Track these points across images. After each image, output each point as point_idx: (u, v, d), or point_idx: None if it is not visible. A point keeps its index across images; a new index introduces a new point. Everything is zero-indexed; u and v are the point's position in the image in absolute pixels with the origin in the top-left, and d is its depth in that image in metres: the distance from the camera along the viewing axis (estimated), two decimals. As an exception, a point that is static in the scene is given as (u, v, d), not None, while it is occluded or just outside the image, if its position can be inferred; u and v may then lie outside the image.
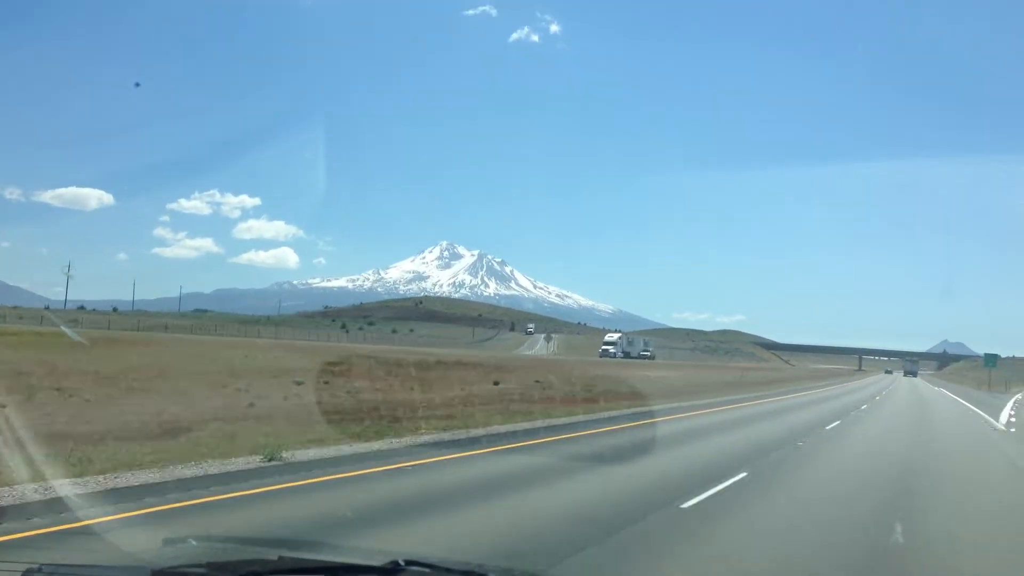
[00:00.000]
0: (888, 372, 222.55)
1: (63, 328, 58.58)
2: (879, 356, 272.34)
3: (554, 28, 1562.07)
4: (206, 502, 9.47)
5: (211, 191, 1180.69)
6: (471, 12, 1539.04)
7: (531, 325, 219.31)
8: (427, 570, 2.51)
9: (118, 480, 10.01)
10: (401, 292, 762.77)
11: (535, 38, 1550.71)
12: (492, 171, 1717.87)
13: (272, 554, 2.75)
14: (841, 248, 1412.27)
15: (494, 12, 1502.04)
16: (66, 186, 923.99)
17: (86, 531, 7.53)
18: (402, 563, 2.51)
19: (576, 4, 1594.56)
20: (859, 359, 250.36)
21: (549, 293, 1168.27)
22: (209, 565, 2.55)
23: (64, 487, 9.09)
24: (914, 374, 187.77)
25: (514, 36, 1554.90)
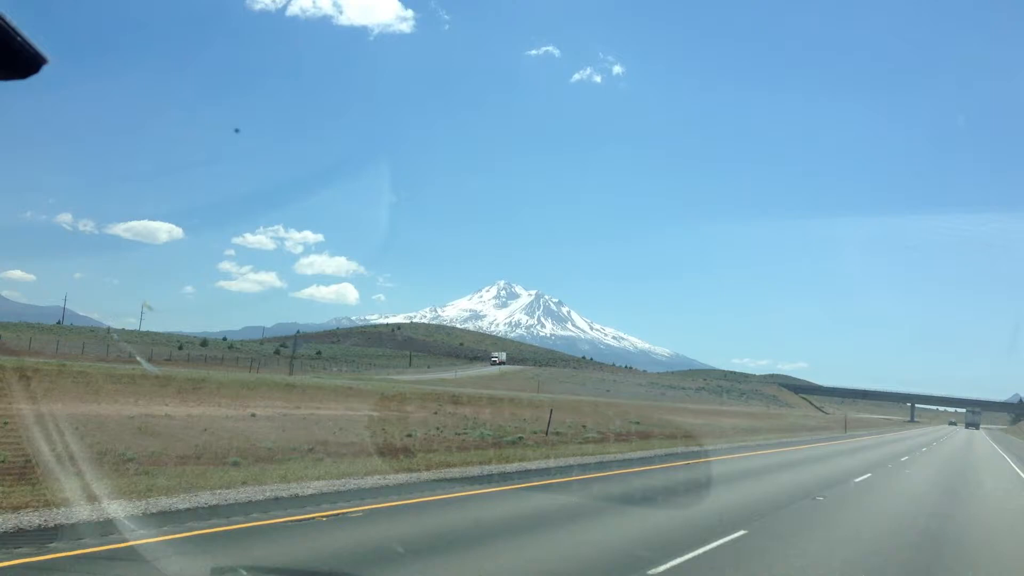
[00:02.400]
0: (953, 424, 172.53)
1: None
2: (937, 406, 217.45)
3: (617, 69, 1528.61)
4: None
5: (275, 226, 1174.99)
6: (534, 52, 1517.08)
7: (496, 355, 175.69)
8: None
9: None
10: (458, 330, 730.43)
11: (597, 79, 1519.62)
12: (551, 211, 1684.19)
13: None
14: (908, 297, 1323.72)
15: (557, 52, 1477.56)
16: (138, 219, 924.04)
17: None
18: None
19: (639, 46, 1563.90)
20: (911, 407, 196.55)
21: (606, 335, 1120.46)
22: None
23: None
24: (976, 426, 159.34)
25: (576, 76, 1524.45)
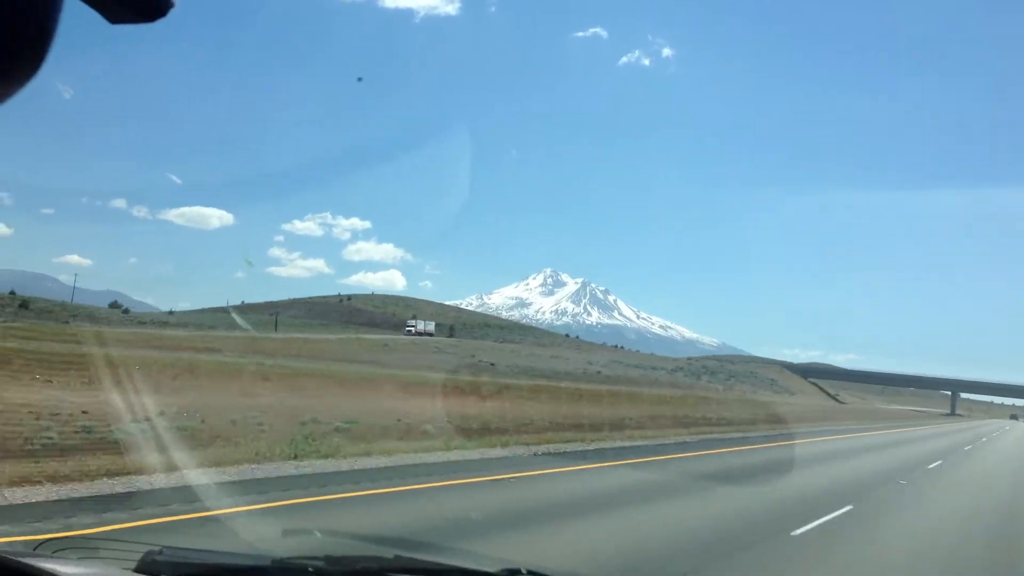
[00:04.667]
0: (1015, 419, 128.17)
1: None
2: (988, 395, 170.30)
3: (666, 52, 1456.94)
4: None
5: (324, 213, 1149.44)
6: (581, 34, 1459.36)
7: (414, 323, 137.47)
8: None
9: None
10: (504, 318, 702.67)
11: (646, 62, 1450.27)
12: (598, 198, 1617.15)
13: (389, 552, 2.65)
14: (970, 279, 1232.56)
15: (605, 34, 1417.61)
16: (190, 205, 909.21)
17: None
18: (524, 572, 2.33)
19: (689, 28, 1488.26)
20: (952, 397, 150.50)
21: (652, 324, 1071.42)
22: (327, 558, 2.50)
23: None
24: None
25: (624, 59, 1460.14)
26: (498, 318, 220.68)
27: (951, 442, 44.77)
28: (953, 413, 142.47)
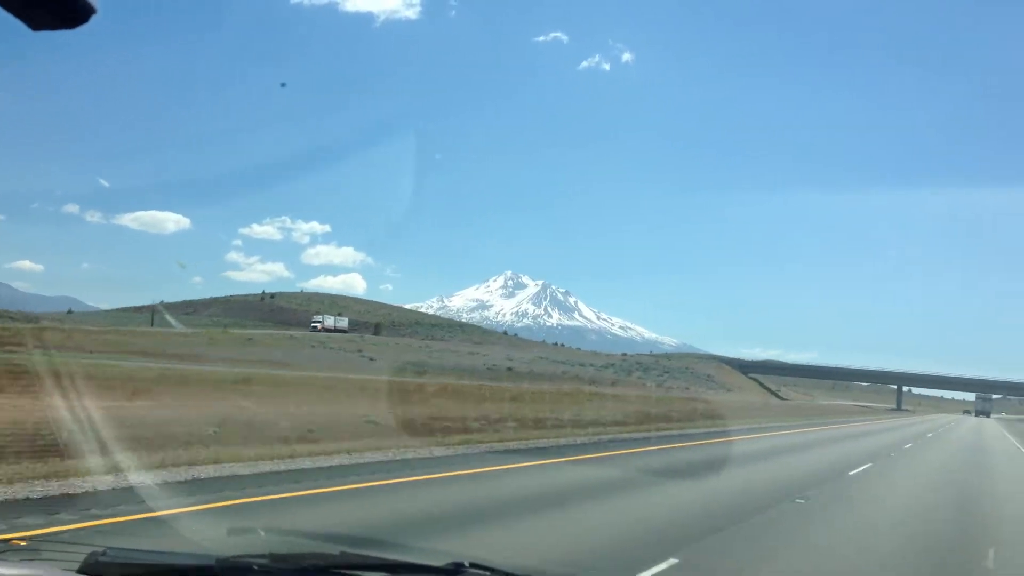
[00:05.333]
0: (970, 414, 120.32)
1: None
2: (939, 389, 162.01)
3: (626, 56, 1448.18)
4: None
5: (282, 217, 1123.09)
6: (542, 39, 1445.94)
7: (321, 318, 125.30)
8: (488, 573, 2.39)
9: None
10: (464, 320, 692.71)
11: (606, 66, 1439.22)
12: (559, 201, 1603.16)
13: (335, 549, 2.67)
14: (933, 276, 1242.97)
15: (565, 39, 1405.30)
16: (145, 209, 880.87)
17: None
18: (466, 564, 2.35)
19: (648, 33, 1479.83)
20: (898, 391, 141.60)
21: (612, 325, 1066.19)
22: (272, 556, 2.47)
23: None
24: (987, 414, 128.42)
25: (584, 64, 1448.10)
26: (432, 316, 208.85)
27: (882, 442, 35.42)
28: (899, 408, 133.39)
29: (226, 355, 63.69)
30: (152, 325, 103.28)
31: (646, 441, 24.68)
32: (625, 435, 26.89)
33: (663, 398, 67.37)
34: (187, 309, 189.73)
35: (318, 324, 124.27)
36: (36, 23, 1.32)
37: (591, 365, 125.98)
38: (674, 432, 30.59)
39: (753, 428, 39.59)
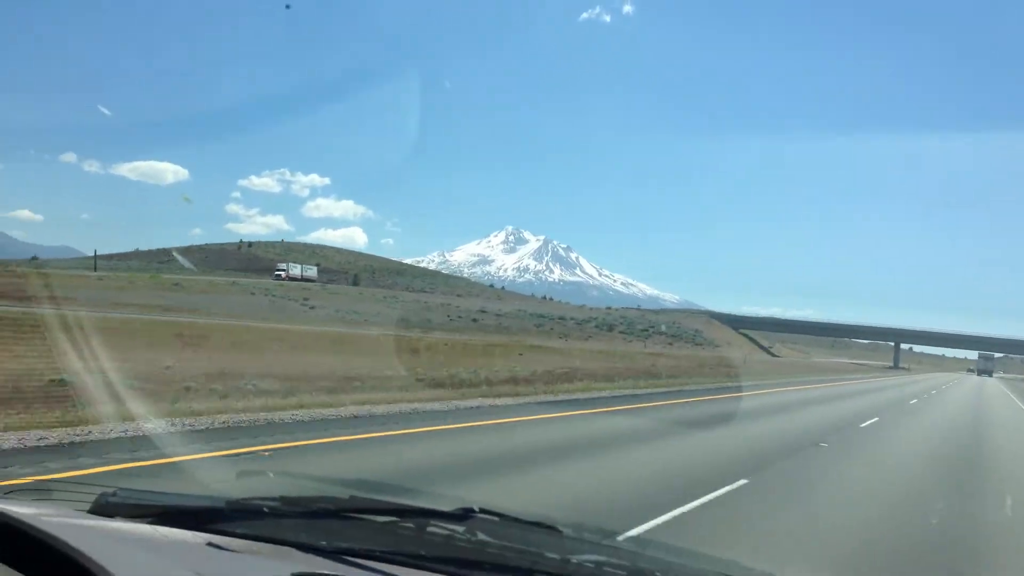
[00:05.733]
0: (974, 372, 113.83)
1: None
2: (940, 347, 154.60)
3: (627, 9, 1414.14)
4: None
5: (282, 169, 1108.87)
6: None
7: (286, 266, 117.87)
8: (496, 518, 2.34)
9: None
10: (465, 275, 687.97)
11: (607, 18, 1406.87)
12: (560, 156, 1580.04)
13: (345, 493, 2.61)
14: (944, 227, 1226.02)
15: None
16: (143, 159, 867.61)
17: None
18: (476, 509, 2.35)
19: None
20: (895, 348, 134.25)
21: (614, 281, 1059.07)
22: (282, 499, 2.45)
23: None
24: (989, 374, 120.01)
25: (584, 15, 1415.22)
26: (420, 268, 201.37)
27: (865, 405, 29.56)
28: (896, 366, 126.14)
29: (136, 300, 56.37)
30: (95, 269, 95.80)
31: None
32: (527, 399, 19.94)
33: (626, 353, 60.20)
34: (163, 257, 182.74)
35: (282, 273, 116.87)
36: None
37: (572, 319, 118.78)
38: (604, 394, 23.46)
39: (711, 388, 32.42)
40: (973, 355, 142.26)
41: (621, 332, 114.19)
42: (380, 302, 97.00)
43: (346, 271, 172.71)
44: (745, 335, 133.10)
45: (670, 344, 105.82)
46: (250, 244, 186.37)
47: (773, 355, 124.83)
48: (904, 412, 28.04)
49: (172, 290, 70.02)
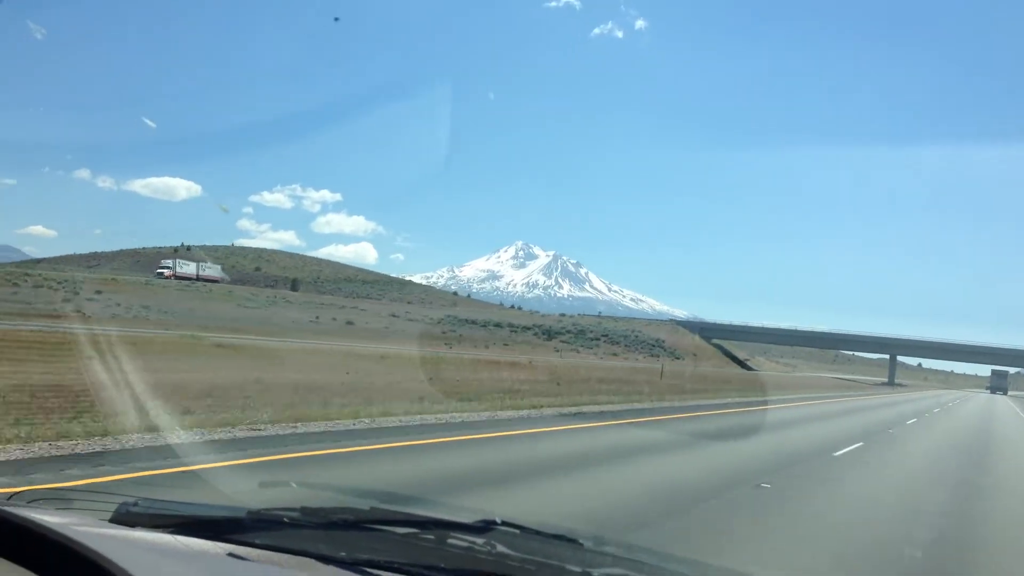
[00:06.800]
0: (988, 390, 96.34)
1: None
2: (947, 360, 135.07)
3: (639, 24, 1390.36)
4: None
5: (293, 185, 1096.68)
6: (553, 4, 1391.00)
7: (168, 262, 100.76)
8: (517, 531, 2.30)
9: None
10: (475, 291, 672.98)
11: (619, 34, 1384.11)
12: (571, 171, 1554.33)
13: (365, 504, 2.57)
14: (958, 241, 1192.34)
15: (577, 5, 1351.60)
16: (157, 176, 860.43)
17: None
18: (498, 521, 2.32)
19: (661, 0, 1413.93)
20: (891, 361, 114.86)
21: (624, 297, 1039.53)
22: (303, 509, 2.42)
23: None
24: (1003, 391, 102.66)
25: (596, 31, 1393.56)
26: (375, 274, 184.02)
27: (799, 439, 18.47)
28: (891, 382, 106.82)
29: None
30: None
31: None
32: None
33: (515, 364, 42.13)
34: (92, 262, 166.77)
35: (165, 270, 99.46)
36: None
37: (509, 326, 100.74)
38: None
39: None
40: (984, 370, 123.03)
41: (564, 341, 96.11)
42: (268, 307, 79.45)
43: (286, 276, 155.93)
44: (718, 346, 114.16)
45: (614, 355, 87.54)
46: (188, 247, 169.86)
47: (748, 368, 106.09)
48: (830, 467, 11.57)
49: None
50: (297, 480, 3.68)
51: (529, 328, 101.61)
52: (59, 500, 2.54)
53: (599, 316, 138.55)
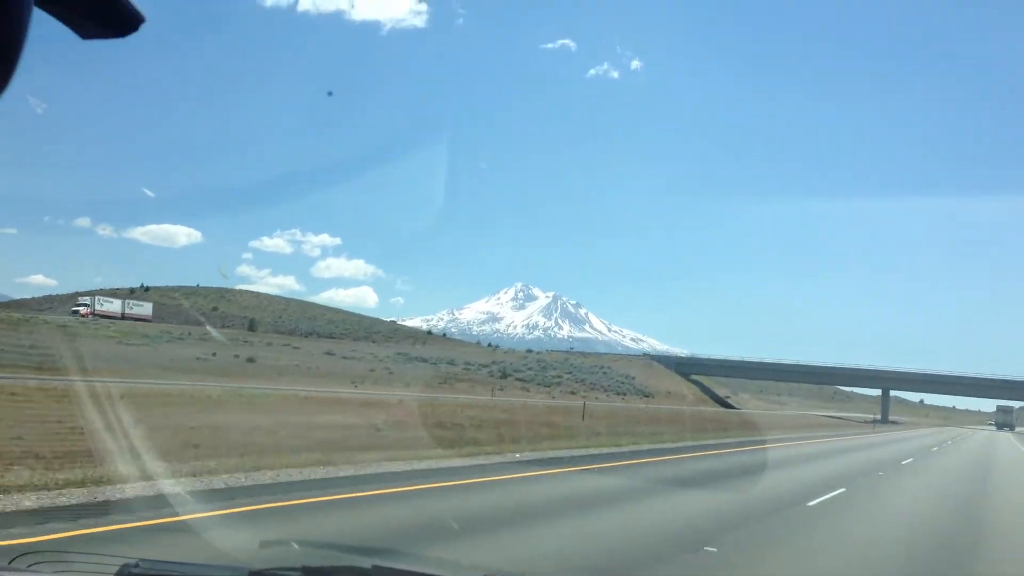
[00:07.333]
0: (996, 427, 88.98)
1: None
2: (950, 394, 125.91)
3: (635, 64, 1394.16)
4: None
5: (293, 230, 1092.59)
6: (550, 46, 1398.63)
7: (86, 299, 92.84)
8: None
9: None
10: (474, 333, 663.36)
11: (615, 74, 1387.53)
12: (569, 211, 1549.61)
13: (366, 562, 2.60)
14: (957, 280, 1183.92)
15: (573, 46, 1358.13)
16: (156, 223, 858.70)
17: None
18: None
19: (658, 41, 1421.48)
20: (883, 397, 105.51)
21: (624, 337, 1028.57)
22: (304, 569, 2.43)
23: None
24: (1010, 428, 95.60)
25: (592, 72, 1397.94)
26: (335, 311, 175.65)
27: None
28: (884, 420, 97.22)
29: None
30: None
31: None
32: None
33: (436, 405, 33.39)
34: (44, 305, 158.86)
35: (82, 308, 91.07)
36: (86, 32, 1.21)
37: (465, 364, 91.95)
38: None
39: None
40: (989, 405, 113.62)
41: (519, 379, 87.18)
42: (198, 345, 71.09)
43: (247, 316, 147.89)
44: (696, 382, 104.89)
45: (571, 394, 78.47)
46: (147, 288, 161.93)
47: (729, 406, 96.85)
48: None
49: None
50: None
51: (486, 366, 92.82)
52: (60, 563, 2.46)
53: (568, 352, 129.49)
